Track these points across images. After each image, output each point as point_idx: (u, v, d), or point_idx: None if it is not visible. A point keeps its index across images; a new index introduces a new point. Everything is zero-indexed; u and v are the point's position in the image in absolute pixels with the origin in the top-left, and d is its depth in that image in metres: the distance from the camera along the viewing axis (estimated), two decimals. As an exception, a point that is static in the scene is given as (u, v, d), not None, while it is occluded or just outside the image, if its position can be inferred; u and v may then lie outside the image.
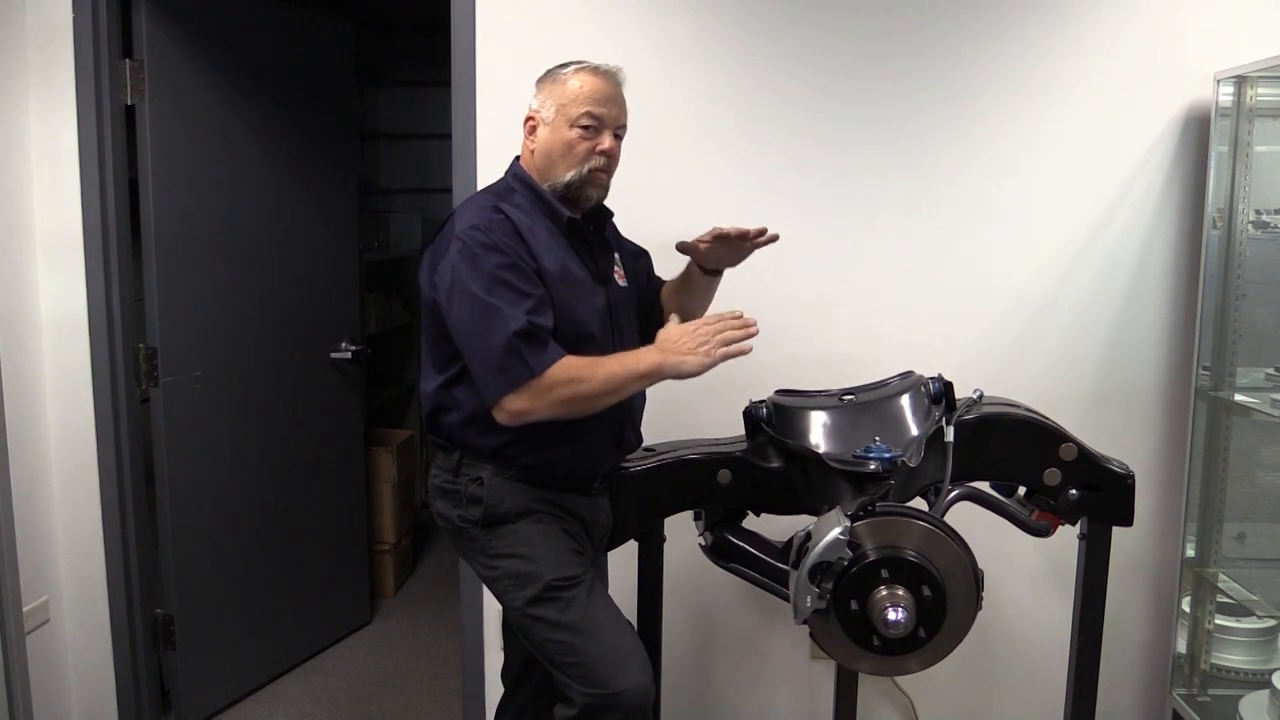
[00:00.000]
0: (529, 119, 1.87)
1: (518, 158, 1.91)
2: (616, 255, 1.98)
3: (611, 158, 1.84)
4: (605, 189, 1.87)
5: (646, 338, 2.07)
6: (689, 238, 1.94)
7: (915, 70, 2.39)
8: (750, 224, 1.91)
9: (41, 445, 2.52)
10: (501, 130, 2.37)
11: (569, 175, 1.81)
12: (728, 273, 2.18)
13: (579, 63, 1.84)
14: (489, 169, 2.37)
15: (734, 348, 1.70)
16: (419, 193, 4.84)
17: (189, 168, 2.71)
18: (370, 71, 4.52)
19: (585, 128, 1.80)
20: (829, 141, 2.41)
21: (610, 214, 1.98)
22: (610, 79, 1.83)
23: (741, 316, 1.73)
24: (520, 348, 1.66)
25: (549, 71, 1.87)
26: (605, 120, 1.81)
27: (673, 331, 1.75)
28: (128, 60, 2.54)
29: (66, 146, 2.46)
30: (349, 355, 3.25)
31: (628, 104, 1.87)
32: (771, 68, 2.39)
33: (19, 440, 2.31)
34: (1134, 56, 2.37)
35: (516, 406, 1.69)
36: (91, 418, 2.54)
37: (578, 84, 1.80)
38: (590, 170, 1.81)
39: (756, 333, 1.72)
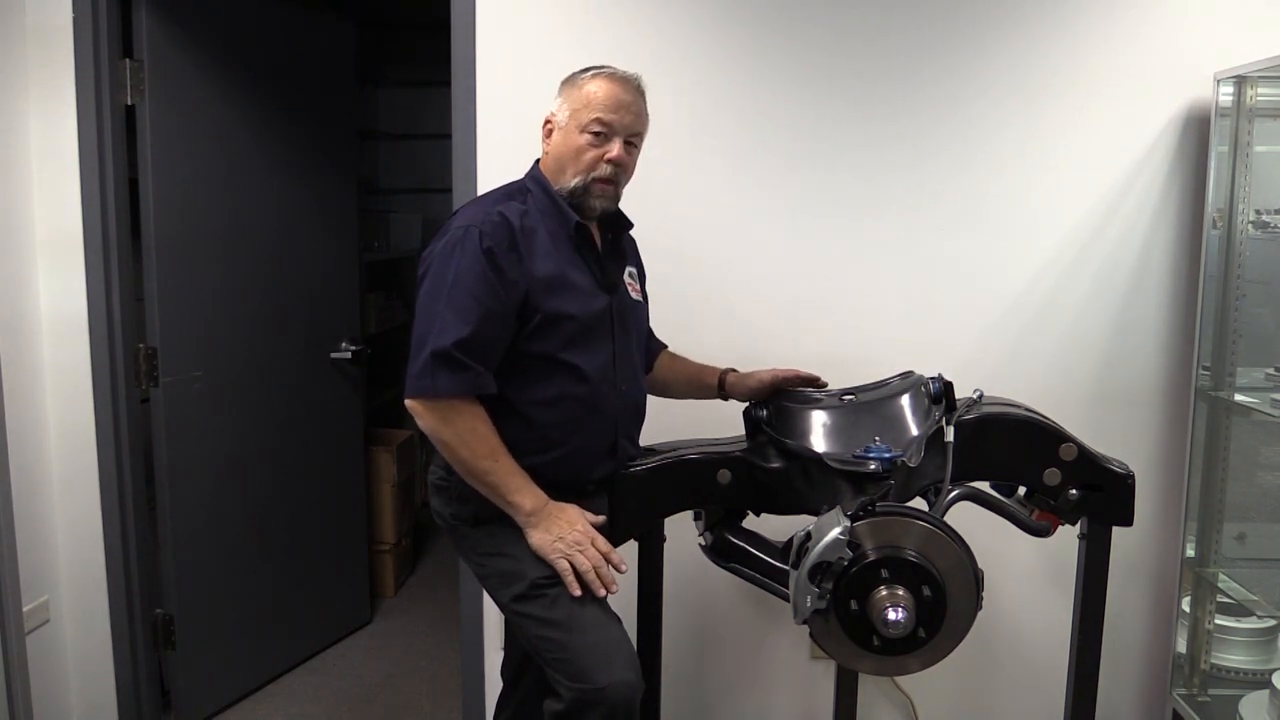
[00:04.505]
0: (546, 122, 1.84)
1: (539, 159, 1.89)
2: (633, 270, 1.95)
3: (620, 167, 1.80)
4: (613, 199, 1.84)
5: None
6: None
7: (915, 70, 2.39)
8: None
9: (41, 445, 2.52)
10: (501, 130, 2.37)
11: (574, 182, 1.79)
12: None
13: (599, 67, 1.82)
14: (489, 169, 2.37)
15: (571, 576, 1.71)
16: (419, 193, 4.83)
17: (189, 168, 2.71)
18: (370, 71, 4.51)
19: (595, 134, 1.77)
20: (828, 142, 2.41)
21: (629, 225, 1.95)
22: (627, 85, 1.80)
23: (618, 566, 1.75)
24: (434, 367, 1.67)
25: (571, 75, 1.84)
26: (616, 127, 1.77)
27: (574, 517, 1.75)
28: (128, 60, 2.54)
29: (66, 146, 2.46)
30: (349, 355, 3.25)
31: (647, 111, 1.84)
32: (770, 68, 2.39)
33: (19, 440, 2.31)
34: (1134, 56, 2.37)
35: (413, 405, 1.73)
36: (91, 418, 2.54)
37: (593, 89, 1.78)
38: (595, 179, 1.78)
39: (605, 592, 1.73)
